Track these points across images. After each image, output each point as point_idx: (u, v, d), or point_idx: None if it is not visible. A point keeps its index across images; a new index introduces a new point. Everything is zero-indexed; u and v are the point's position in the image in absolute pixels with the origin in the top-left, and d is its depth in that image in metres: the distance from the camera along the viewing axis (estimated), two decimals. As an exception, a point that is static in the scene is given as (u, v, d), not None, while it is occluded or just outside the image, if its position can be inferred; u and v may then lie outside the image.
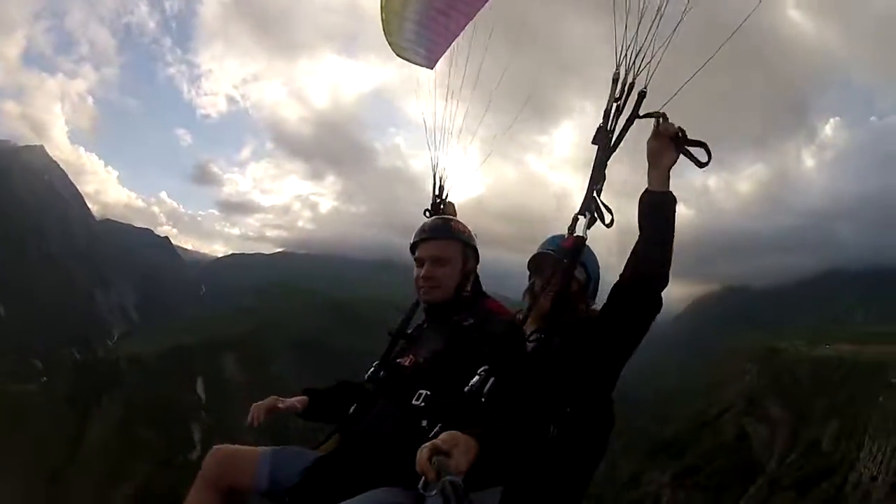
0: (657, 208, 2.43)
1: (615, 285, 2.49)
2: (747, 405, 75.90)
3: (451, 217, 2.97)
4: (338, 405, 2.80)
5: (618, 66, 2.63)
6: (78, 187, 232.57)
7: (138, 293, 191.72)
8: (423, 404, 2.37)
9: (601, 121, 2.66)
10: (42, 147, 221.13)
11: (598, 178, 2.63)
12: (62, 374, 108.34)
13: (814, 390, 65.01)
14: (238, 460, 2.49)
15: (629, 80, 2.60)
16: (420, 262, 2.71)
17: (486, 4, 3.37)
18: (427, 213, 3.42)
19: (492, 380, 2.22)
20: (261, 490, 2.46)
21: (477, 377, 2.26)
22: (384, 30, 3.67)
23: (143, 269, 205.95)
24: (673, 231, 2.40)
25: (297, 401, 2.74)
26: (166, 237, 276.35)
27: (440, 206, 3.44)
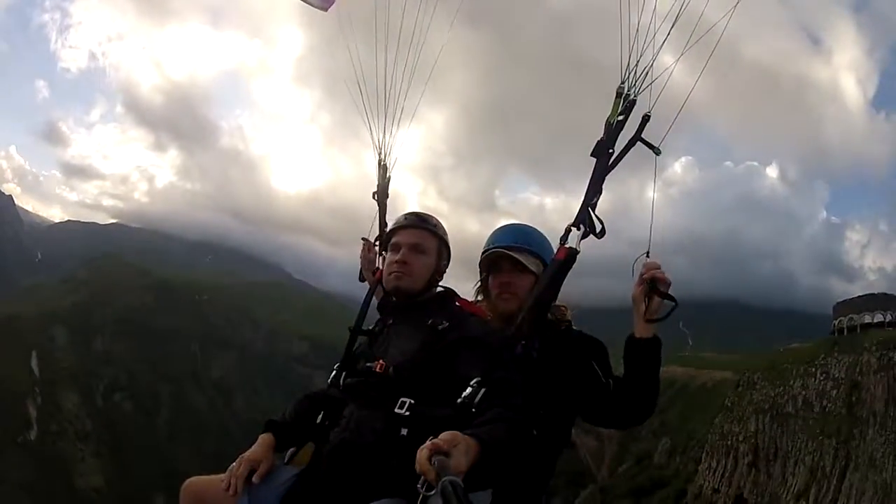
0: (642, 356, 2.46)
1: (605, 401, 2.51)
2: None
3: (429, 213, 2.76)
4: (305, 423, 2.59)
5: (623, 82, 2.57)
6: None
7: None
8: (407, 413, 2.25)
9: (602, 135, 2.57)
10: None
11: (595, 191, 2.56)
12: None
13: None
14: (215, 492, 2.35)
15: (631, 96, 2.54)
16: (396, 248, 2.61)
17: None
18: (374, 196, 3.30)
19: (482, 391, 2.13)
20: None
21: (470, 389, 2.15)
22: None
23: None
24: (658, 373, 2.48)
25: (264, 451, 2.43)
26: (10, 196, 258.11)
27: (387, 185, 3.32)
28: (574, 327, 2.77)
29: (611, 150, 2.57)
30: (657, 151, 2.50)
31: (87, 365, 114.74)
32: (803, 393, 38.07)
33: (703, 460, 45.71)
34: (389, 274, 2.62)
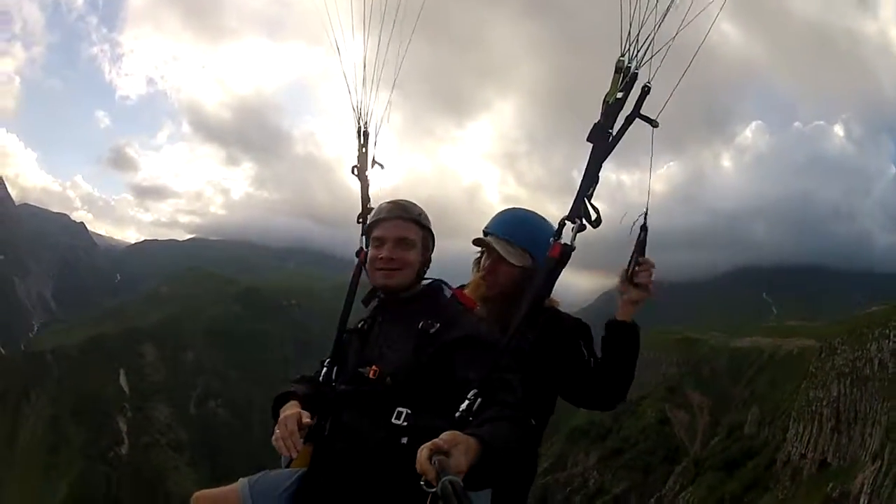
0: (620, 340, 2.57)
1: (585, 380, 2.61)
2: (667, 392, 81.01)
3: (412, 202, 2.63)
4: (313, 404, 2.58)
5: (623, 54, 2.31)
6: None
7: (55, 281, 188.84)
8: (405, 424, 2.24)
9: (600, 117, 2.34)
10: None
11: (591, 179, 2.36)
12: None
13: (733, 379, 70.96)
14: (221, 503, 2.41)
15: (633, 69, 2.30)
16: (380, 243, 2.51)
17: None
18: (354, 170, 3.07)
19: (479, 401, 2.12)
20: None
21: (467, 402, 2.13)
22: None
23: (60, 256, 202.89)
24: (635, 359, 2.56)
25: (298, 410, 2.42)
26: (82, 223, 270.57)
27: (366, 155, 3.08)
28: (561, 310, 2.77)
29: (610, 131, 2.34)
30: (655, 124, 2.31)
31: (179, 377, 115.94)
32: (879, 356, 38.89)
33: (790, 427, 46.75)
34: (376, 270, 2.52)
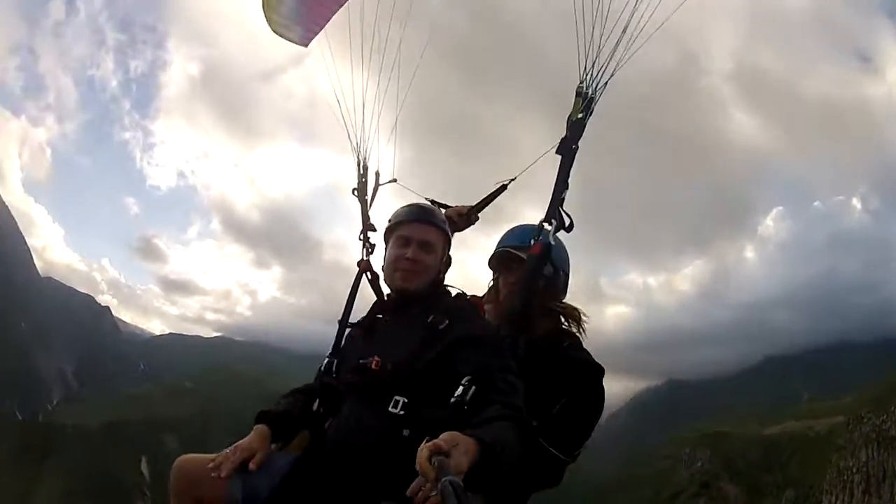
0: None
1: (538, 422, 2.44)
2: (700, 488, 78.75)
3: (431, 206, 2.83)
4: (299, 415, 2.56)
5: (581, 81, 2.72)
6: (27, 240, 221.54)
7: (77, 359, 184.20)
8: (401, 412, 2.26)
9: (566, 132, 2.72)
10: None
11: (562, 186, 2.69)
12: (5, 430, 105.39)
13: (766, 468, 69.44)
14: (207, 472, 2.26)
15: (590, 94, 2.72)
16: (405, 243, 2.52)
17: None
18: (354, 192, 3.34)
19: (473, 388, 2.15)
20: (235, 501, 2.27)
21: (461, 388, 2.16)
22: (262, 3, 3.66)
23: (84, 336, 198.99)
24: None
25: (260, 441, 2.37)
26: (107, 307, 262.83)
27: (366, 185, 3.36)
28: (584, 346, 2.74)
29: (574, 147, 2.70)
30: (586, 118, 2.72)
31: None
32: (902, 416, 39.48)
33: (823, 499, 46.04)
34: (396, 271, 2.52)
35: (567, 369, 2.61)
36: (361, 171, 3.38)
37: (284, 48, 3.89)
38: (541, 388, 2.45)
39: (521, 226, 2.98)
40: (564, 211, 2.71)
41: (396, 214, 2.64)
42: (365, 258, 3.07)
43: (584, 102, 2.72)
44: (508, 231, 3.02)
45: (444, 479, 1.44)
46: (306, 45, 3.79)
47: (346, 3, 3.53)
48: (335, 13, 3.61)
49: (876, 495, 38.99)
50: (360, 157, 3.38)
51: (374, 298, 2.92)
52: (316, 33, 3.74)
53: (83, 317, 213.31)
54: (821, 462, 54.73)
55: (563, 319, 2.83)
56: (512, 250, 2.85)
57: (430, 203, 3.01)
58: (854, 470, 42.70)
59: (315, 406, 2.57)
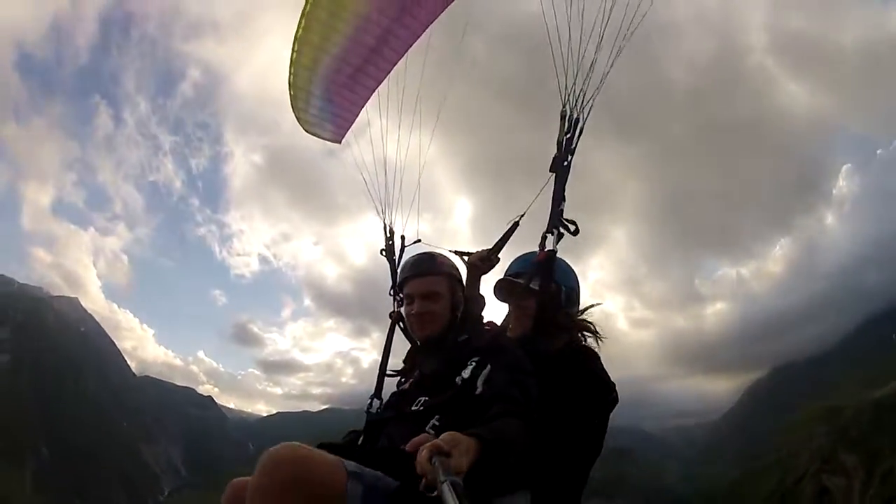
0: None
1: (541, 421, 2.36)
2: (822, 464, 77.21)
3: (435, 252, 2.91)
4: (353, 446, 2.70)
5: (563, 105, 2.99)
6: (116, 342, 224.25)
7: (185, 450, 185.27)
8: (422, 409, 2.47)
9: (556, 152, 2.99)
10: (77, 299, 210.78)
11: (559, 199, 2.93)
12: None
13: (880, 431, 67.67)
14: (322, 468, 1.92)
15: (574, 115, 2.99)
16: (410, 300, 2.74)
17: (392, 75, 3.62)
18: (382, 252, 3.67)
19: (487, 368, 2.31)
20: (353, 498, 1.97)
21: (468, 367, 2.37)
22: (292, 105, 3.75)
23: (189, 426, 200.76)
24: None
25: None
26: (209, 396, 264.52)
27: (393, 246, 3.70)
28: (601, 363, 2.81)
29: (566, 163, 2.95)
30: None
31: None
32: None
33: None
34: (412, 326, 2.82)
35: (579, 380, 2.69)
36: (388, 234, 3.71)
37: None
38: (555, 400, 2.51)
39: (520, 255, 3.21)
40: (567, 220, 2.93)
41: (401, 271, 2.91)
42: (396, 310, 3.33)
43: (569, 124, 2.98)
44: (514, 260, 3.22)
45: (445, 480, 1.44)
46: (339, 142, 3.91)
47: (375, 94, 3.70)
48: (363, 107, 3.76)
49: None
50: (386, 222, 3.70)
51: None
52: (347, 129, 3.89)
53: (186, 408, 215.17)
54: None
55: (578, 334, 2.94)
56: (510, 278, 3.08)
57: (449, 252, 3.12)
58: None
59: (360, 441, 2.78)
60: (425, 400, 2.49)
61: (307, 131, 3.92)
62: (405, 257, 3.59)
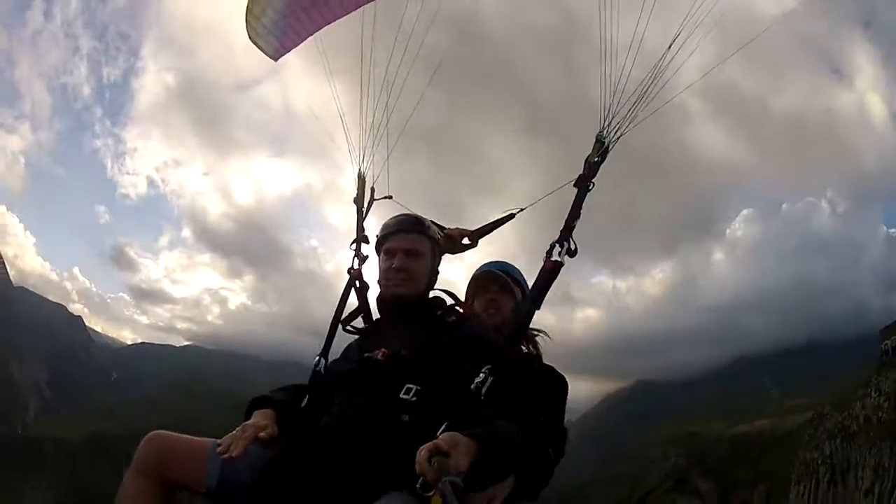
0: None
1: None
2: (675, 484, 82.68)
3: (420, 216, 2.78)
4: (294, 405, 2.53)
5: (602, 129, 3.07)
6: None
7: (51, 370, 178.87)
8: (413, 399, 2.23)
9: (583, 170, 3.05)
10: None
11: (576, 215, 2.96)
12: None
13: (737, 464, 73.68)
14: (183, 453, 2.20)
15: (606, 143, 3.06)
16: (391, 254, 2.59)
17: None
18: (355, 201, 3.40)
19: (490, 379, 2.17)
20: (209, 488, 2.17)
21: (482, 375, 2.18)
22: (247, 8, 3.65)
23: (57, 345, 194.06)
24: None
25: (268, 422, 2.29)
26: (80, 317, 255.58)
27: (363, 196, 3.40)
28: (545, 362, 2.95)
29: (590, 185, 3.00)
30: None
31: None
32: (864, 412, 43.44)
33: (791, 490, 49.98)
34: (387, 281, 2.59)
35: (546, 379, 2.87)
36: (360, 183, 3.43)
37: (262, 62, 3.93)
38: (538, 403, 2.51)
39: (499, 260, 3.29)
40: (573, 238, 2.94)
41: (384, 226, 2.71)
42: (356, 267, 3.07)
43: (601, 149, 3.05)
44: (487, 262, 3.28)
45: (444, 480, 1.44)
46: (276, 60, 3.87)
47: (335, 25, 3.63)
48: (312, 34, 3.69)
49: (842, 484, 42.90)
50: (360, 169, 3.44)
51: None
52: (289, 50, 3.81)
53: (56, 326, 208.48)
54: (791, 458, 58.73)
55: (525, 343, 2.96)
56: (499, 272, 3.14)
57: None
58: (819, 462, 46.59)
59: (304, 402, 2.56)
60: (417, 390, 2.25)
61: (250, 37, 3.76)
62: (375, 214, 3.42)
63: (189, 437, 2.30)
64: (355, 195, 3.42)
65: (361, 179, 3.44)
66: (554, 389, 2.85)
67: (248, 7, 3.65)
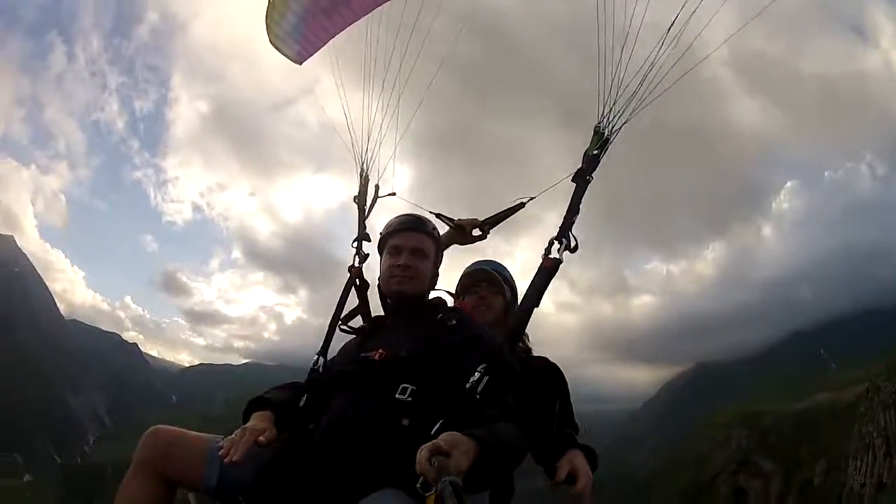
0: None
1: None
2: (739, 466, 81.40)
3: (423, 216, 2.82)
4: (292, 406, 2.52)
5: (599, 122, 2.96)
6: (47, 284, 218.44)
7: (109, 397, 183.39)
8: (409, 399, 2.24)
9: (581, 164, 2.95)
10: (13, 237, 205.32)
11: (574, 211, 2.89)
12: (46, 473, 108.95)
13: (799, 440, 71.84)
14: (184, 450, 2.23)
15: (605, 135, 2.95)
16: (397, 251, 2.61)
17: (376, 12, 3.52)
18: (355, 199, 3.38)
19: (486, 378, 2.18)
20: (209, 486, 2.22)
21: (477, 374, 2.19)
22: (266, 14, 3.66)
23: (113, 374, 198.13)
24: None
25: (266, 425, 2.26)
26: (135, 343, 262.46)
27: (365, 195, 3.39)
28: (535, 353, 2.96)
29: (589, 178, 2.91)
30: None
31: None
32: (916, 381, 42.68)
33: (849, 464, 49.14)
34: (391, 278, 2.59)
35: (549, 374, 2.88)
36: (363, 181, 3.43)
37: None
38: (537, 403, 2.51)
39: (490, 259, 3.29)
40: (573, 234, 2.87)
41: (388, 225, 2.72)
42: (357, 265, 3.07)
43: (600, 142, 2.95)
44: (478, 261, 3.27)
45: (444, 480, 1.44)
46: (300, 63, 3.84)
47: (349, 28, 3.64)
48: (334, 36, 3.71)
49: (896, 457, 42.23)
50: (363, 168, 3.44)
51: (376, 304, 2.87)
52: (311, 53, 3.80)
53: (111, 355, 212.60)
54: (849, 431, 57.49)
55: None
56: (490, 270, 3.13)
57: (434, 214, 3.08)
58: (875, 434, 45.69)
59: (302, 402, 2.54)
60: (413, 390, 2.26)
61: (272, 44, 3.80)
62: (377, 211, 3.42)
63: (191, 433, 2.34)
64: (356, 194, 3.47)
65: (364, 177, 3.47)
66: (555, 380, 2.88)
67: (267, 12, 3.70)
